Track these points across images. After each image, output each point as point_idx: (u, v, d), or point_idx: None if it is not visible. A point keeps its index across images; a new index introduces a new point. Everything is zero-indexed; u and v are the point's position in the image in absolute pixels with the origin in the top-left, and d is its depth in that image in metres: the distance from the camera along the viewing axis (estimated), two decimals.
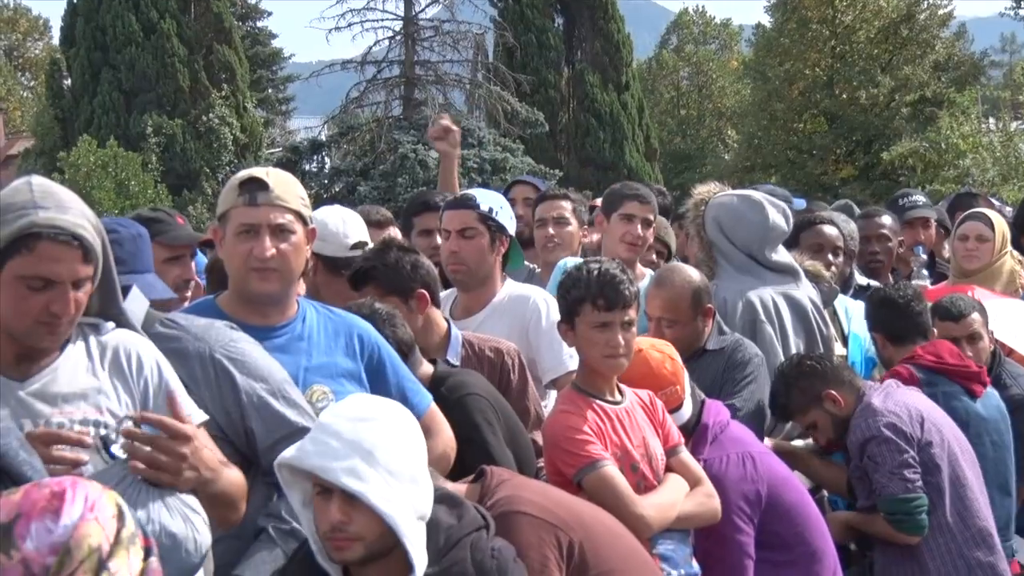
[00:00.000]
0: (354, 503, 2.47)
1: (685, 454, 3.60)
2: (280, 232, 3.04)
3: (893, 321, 4.92)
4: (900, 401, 4.29)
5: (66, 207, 2.37)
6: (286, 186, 3.09)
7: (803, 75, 42.59)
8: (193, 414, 2.54)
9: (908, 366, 4.70)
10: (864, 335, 5.11)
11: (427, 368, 3.66)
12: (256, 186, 3.04)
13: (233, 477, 2.58)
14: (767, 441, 4.32)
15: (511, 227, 4.54)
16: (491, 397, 3.63)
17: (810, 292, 4.91)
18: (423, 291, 3.89)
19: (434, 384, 3.58)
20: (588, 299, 3.44)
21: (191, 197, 32.63)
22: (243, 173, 3.12)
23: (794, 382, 4.37)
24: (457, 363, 3.92)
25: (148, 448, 2.34)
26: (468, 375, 3.70)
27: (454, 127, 6.07)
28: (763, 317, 4.66)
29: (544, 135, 33.33)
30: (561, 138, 37.35)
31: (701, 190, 5.00)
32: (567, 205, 5.53)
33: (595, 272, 3.47)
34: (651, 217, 5.18)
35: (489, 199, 4.50)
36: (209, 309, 3.12)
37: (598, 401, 3.48)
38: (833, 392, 4.34)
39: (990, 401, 4.74)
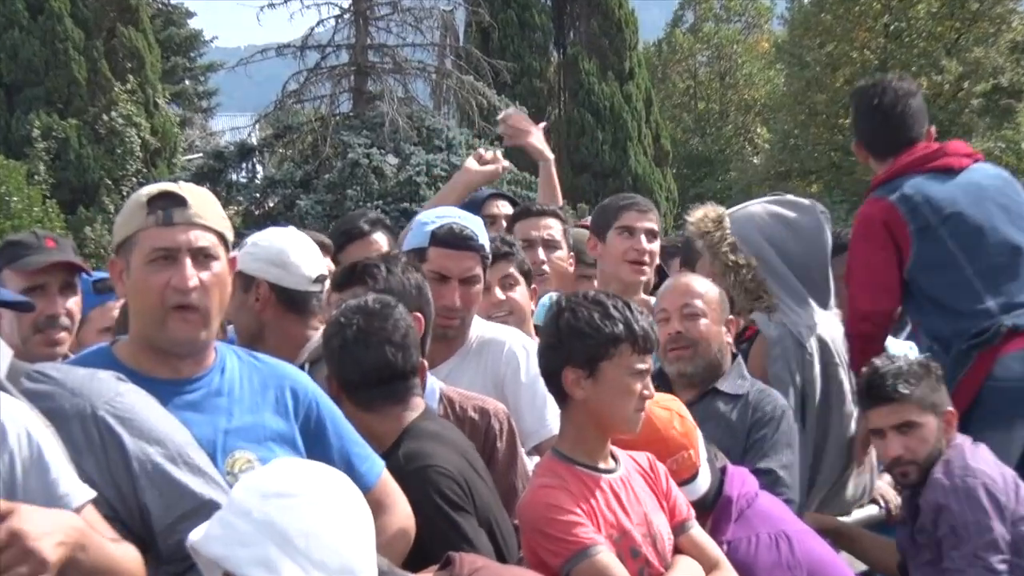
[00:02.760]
0: None
1: (697, 531, 3.59)
2: (203, 258, 3.05)
3: (873, 128, 5.16)
4: (990, 460, 4.30)
5: None
6: (205, 202, 3.11)
7: (849, 59, 42.83)
8: (73, 492, 2.52)
9: (868, 201, 5.03)
10: None
11: (415, 408, 3.67)
12: (171, 202, 3.05)
13: (120, 554, 2.55)
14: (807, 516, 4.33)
15: None
16: (459, 470, 3.62)
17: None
18: (420, 315, 3.92)
19: (397, 443, 3.60)
20: (629, 339, 3.44)
21: (89, 216, 32.49)
22: (150, 188, 3.13)
23: (924, 376, 4.44)
24: None
25: None
26: (435, 440, 3.67)
27: (514, 122, 6.31)
28: (838, 360, 4.75)
29: None
30: (549, 139, 37.39)
31: (701, 213, 5.01)
32: (556, 224, 5.55)
33: (626, 306, 3.49)
34: (655, 227, 5.24)
35: (482, 232, 4.57)
36: (103, 360, 3.09)
37: (587, 470, 3.46)
38: (953, 411, 4.40)
39: (984, 171, 5.15)
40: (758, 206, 5.00)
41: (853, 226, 5.18)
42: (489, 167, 6.03)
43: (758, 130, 52.99)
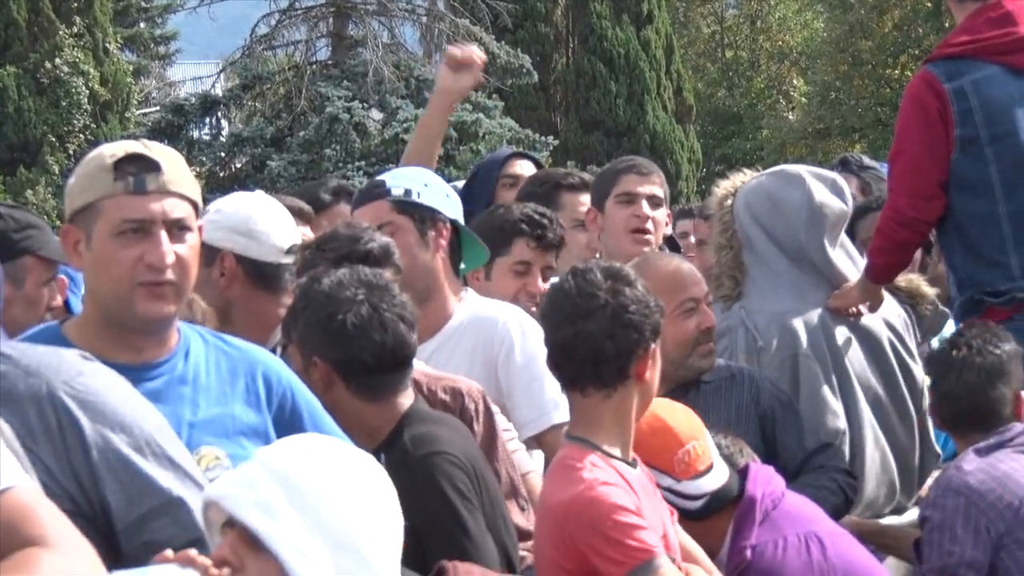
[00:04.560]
0: (255, 547, 2.49)
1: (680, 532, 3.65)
2: (178, 230, 3.10)
3: None
4: (1005, 471, 4.32)
5: None
6: (177, 166, 3.16)
7: (899, 0, 42.72)
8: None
9: (921, 73, 4.85)
10: None
11: (406, 399, 3.70)
12: (142, 166, 3.08)
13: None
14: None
15: (451, 207, 4.57)
16: (470, 460, 3.66)
17: (893, 316, 4.94)
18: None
19: (397, 430, 3.63)
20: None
21: (30, 177, 32.45)
22: (115, 147, 3.15)
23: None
24: None
25: None
26: (442, 425, 3.74)
27: (478, 60, 5.81)
28: (808, 351, 4.70)
29: (532, 87, 33.33)
30: (556, 91, 37.36)
31: (727, 182, 5.05)
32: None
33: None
34: (659, 192, 5.25)
35: (405, 178, 4.55)
36: (52, 340, 3.12)
37: (626, 467, 3.50)
38: None
39: None
40: (756, 179, 5.00)
41: (902, 102, 4.96)
42: (466, 74, 5.76)
43: (794, 82, 52.85)
